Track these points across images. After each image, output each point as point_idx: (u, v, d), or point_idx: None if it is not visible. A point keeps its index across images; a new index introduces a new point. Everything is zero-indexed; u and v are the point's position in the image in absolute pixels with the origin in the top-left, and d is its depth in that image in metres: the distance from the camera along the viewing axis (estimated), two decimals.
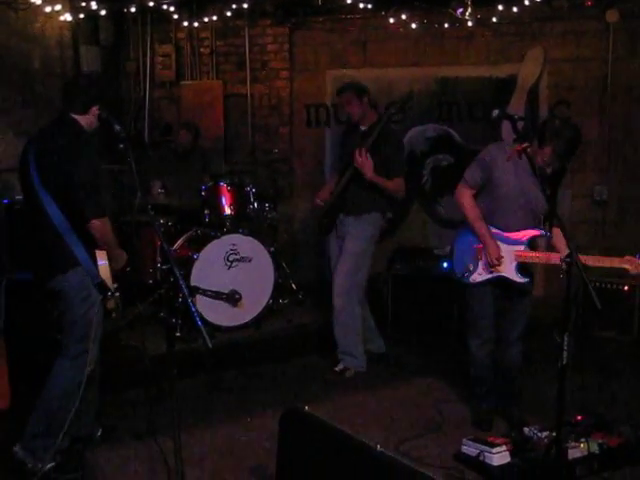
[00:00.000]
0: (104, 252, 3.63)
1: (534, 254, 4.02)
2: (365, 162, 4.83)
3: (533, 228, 4.05)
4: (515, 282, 4.07)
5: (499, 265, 4.05)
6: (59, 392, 3.59)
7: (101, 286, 3.58)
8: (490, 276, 4.12)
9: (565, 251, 3.72)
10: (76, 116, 3.64)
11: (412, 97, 5.06)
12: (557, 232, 3.92)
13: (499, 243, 4.06)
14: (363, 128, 5.09)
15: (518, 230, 4.05)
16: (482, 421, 4.25)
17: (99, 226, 3.53)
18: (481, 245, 4.11)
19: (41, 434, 3.59)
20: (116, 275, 3.77)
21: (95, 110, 3.68)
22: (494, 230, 4.09)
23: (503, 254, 4.04)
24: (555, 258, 3.83)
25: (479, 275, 4.15)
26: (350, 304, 5.09)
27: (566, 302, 3.28)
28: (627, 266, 3.72)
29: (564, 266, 3.31)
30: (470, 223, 4.14)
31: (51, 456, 3.58)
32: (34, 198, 3.55)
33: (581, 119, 6.31)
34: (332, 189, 5.26)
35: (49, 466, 3.57)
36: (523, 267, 4.06)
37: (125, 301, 5.53)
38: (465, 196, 4.16)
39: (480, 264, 4.14)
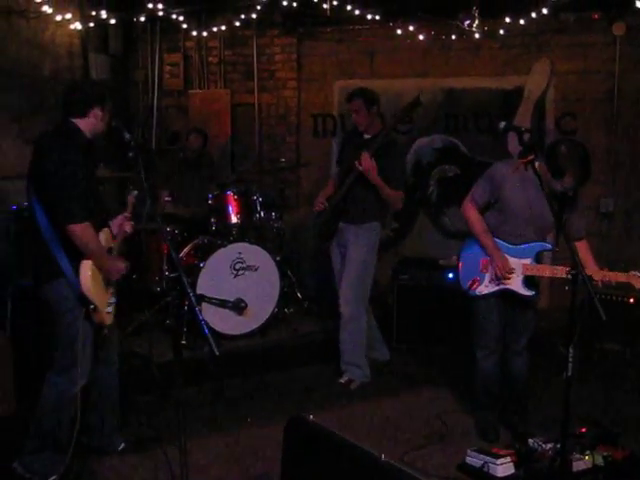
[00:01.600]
0: (89, 262, 3.46)
1: (542, 267, 4.03)
2: (371, 165, 4.81)
3: (540, 242, 4.07)
4: (522, 295, 4.09)
5: (508, 278, 4.06)
6: (50, 407, 3.53)
7: (81, 299, 3.43)
8: (497, 289, 4.13)
9: (592, 266, 3.78)
10: (76, 120, 3.55)
11: (419, 102, 5.01)
12: (583, 247, 3.96)
13: (506, 256, 4.07)
14: (367, 137, 5.09)
15: (525, 243, 4.07)
16: (488, 432, 4.25)
17: (78, 232, 3.37)
18: (488, 258, 4.13)
19: (37, 450, 3.56)
20: (117, 288, 3.66)
21: (97, 112, 3.57)
22: (501, 243, 4.11)
23: (512, 267, 4.05)
24: (562, 272, 3.84)
25: (485, 288, 4.16)
26: (358, 312, 5.09)
27: (571, 314, 3.29)
28: (632, 282, 3.74)
29: (569, 277, 3.33)
30: (477, 237, 4.16)
31: (50, 469, 3.54)
32: (29, 204, 3.50)
33: (588, 131, 6.37)
34: (330, 193, 5.25)
35: (52, 478, 3.53)
36: (530, 280, 4.07)
37: (132, 308, 5.62)
38: (471, 211, 4.19)
39: (487, 277, 4.15)
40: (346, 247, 5.12)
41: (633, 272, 3.76)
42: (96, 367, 3.68)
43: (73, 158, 3.42)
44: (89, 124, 3.57)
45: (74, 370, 3.47)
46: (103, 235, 3.61)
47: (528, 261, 4.05)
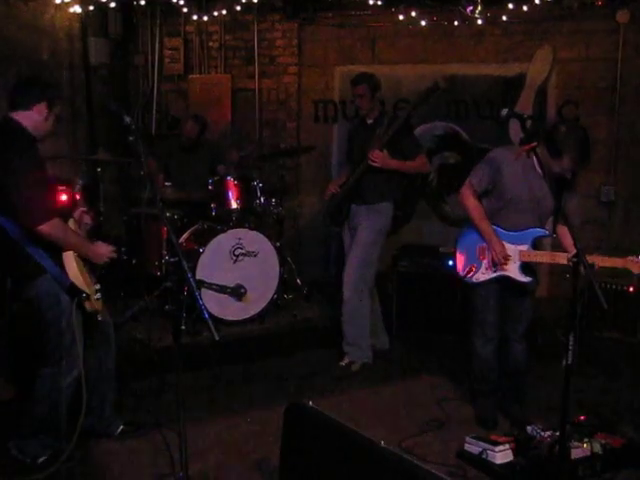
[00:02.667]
0: (71, 253, 3.44)
1: (539, 254, 4.02)
2: (384, 160, 4.90)
3: (538, 228, 4.06)
4: (519, 281, 4.08)
5: (505, 264, 4.05)
6: (44, 398, 3.55)
7: (72, 289, 3.41)
8: (494, 275, 4.12)
9: (572, 250, 3.73)
10: (17, 114, 3.42)
11: (438, 87, 5.01)
12: (564, 231, 3.91)
13: (504, 242, 4.07)
14: (369, 121, 5.14)
15: (522, 230, 4.06)
16: (487, 419, 4.25)
17: (48, 231, 3.31)
18: (485, 244, 4.12)
19: (31, 433, 3.59)
20: (98, 274, 3.65)
21: (42, 107, 3.44)
22: (498, 229, 4.10)
23: (509, 254, 4.05)
24: (560, 258, 3.84)
25: (482, 274, 4.15)
26: (359, 294, 5.10)
27: (572, 302, 3.28)
28: (630, 267, 3.73)
29: (571, 264, 3.32)
30: (475, 223, 4.15)
31: (42, 451, 3.58)
32: None
33: (589, 119, 6.34)
34: (342, 182, 5.28)
35: (42, 459, 3.57)
36: (527, 267, 4.07)
37: (130, 293, 5.61)
38: (469, 197, 4.17)
39: (484, 263, 4.14)
40: (356, 229, 5.14)
41: (630, 257, 3.75)
42: (94, 351, 3.70)
43: (25, 157, 3.33)
44: (31, 119, 3.44)
45: (65, 362, 3.49)
46: (71, 223, 3.60)
47: (525, 247, 4.04)
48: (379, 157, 4.91)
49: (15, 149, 3.34)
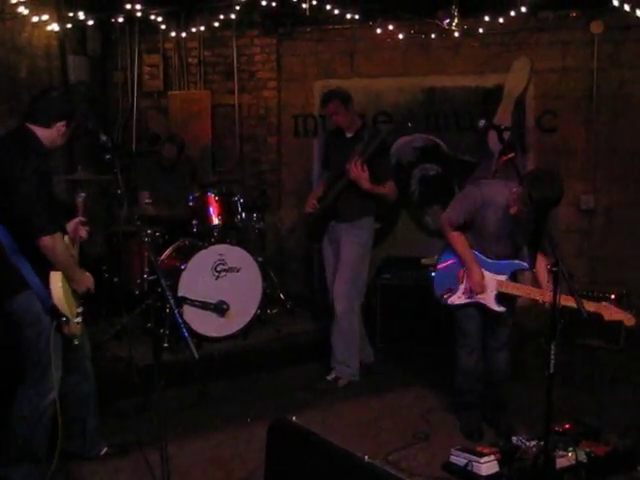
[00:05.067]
0: (59, 273, 3.36)
1: (516, 286, 4.07)
2: (361, 174, 4.86)
3: (517, 259, 4.11)
4: (493, 310, 4.14)
5: (481, 293, 4.09)
6: (22, 419, 3.45)
7: (53, 311, 3.33)
8: (469, 301, 4.19)
9: (545, 285, 3.80)
10: (36, 128, 3.41)
11: (412, 118, 5.06)
12: (541, 266, 3.95)
13: (484, 270, 4.10)
14: (349, 135, 5.12)
15: (502, 259, 4.10)
16: (472, 432, 4.25)
17: (50, 244, 3.27)
18: (463, 270, 4.16)
19: (15, 460, 3.48)
20: (81, 298, 3.56)
21: (61, 126, 3.44)
22: (480, 256, 4.14)
23: (486, 282, 4.08)
24: (536, 294, 3.92)
25: (458, 299, 4.22)
26: (351, 312, 5.09)
27: (553, 311, 3.29)
28: (602, 312, 3.78)
29: (551, 268, 3.34)
30: (457, 252, 4.20)
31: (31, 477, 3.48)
32: None
33: (568, 128, 6.40)
34: (319, 195, 5.28)
35: None
36: (503, 296, 4.11)
37: (112, 312, 5.57)
38: (449, 231, 4.22)
39: (461, 287, 4.20)
40: (339, 244, 5.13)
41: (605, 303, 3.83)
42: (69, 376, 3.60)
43: (37, 167, 3.29)
44: (50, 136, 3.45)
45: (44, 382, 3.41)
46: (67, 242, 3.52)
47: (504, 278, 4.08)
48: (356, 171, 4.84)
49: (29, 160, 3.29)
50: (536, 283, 4.11)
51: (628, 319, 3.77)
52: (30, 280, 3.32)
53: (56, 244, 3.30)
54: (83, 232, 3.68)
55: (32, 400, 3.44)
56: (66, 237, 3.52)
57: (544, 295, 3.83)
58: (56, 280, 3.35)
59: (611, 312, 3.78)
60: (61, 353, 3.47)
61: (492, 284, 4.09)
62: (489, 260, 4.12)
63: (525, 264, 4.09)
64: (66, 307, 3.38)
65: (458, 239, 4.19)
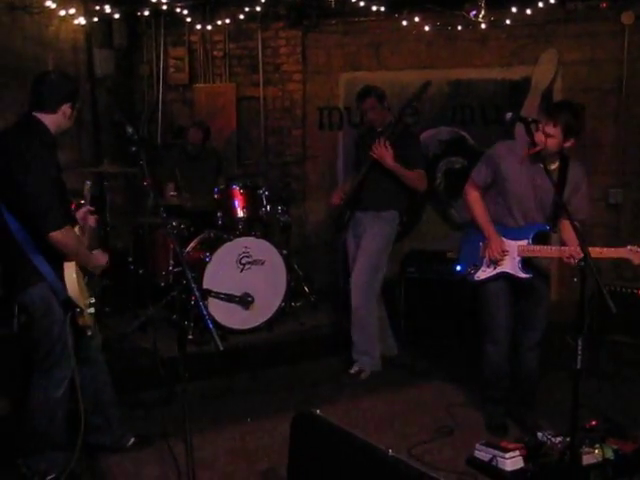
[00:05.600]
0: (73, 264, 3.34)
1: (537, 248, 3.95)
2: (385, 152, 4.87)
3: (540, 224, 4.01)
4: (518, 278, 4.02)
5: (501, 259, 4.01)
6: (38, 409, 3.47)
7: (67, 303, 3.33)
8: (494, 273, 4.08)
9: (574, 244, 3.69)
10: (42, 115, 3.36)
11: (429, 84, 5.04)
12: (566, 226, 3.87)
13: (503, 238, 4.04)
14: (379, 129, 5.12)
15: (525, 225, 4.03)
16: (498, 427, 4.21)
17: (60, 238, 3.24)
18: (485, 243, 4.10)
19: (38, 450, 3.51)
20: (99, 287, 3.58)
21: (67, 108, 3.39)
22: (499, 227, 4.07)
23: (507, 249, 4.01)
24: (558, 252, 3.81)
25: (483, 272, 4.12)
26: (368, 303, 5.09)
27: (580, 306, 3.25)
28: (630, 257, 3.68)
29: (578, 263, 3.29)
30: (475, 218, 4.14)
31: (51, 468, 3.49)
32: None
33: (596, 121, 6.31)
34: (347, 188, 5.27)
35: (51, 477, 3.47)
36: (528, 263, 4.02)
37: (137, 304, 5.61)
38: (470, 192, 4.18)
39: (485, 261, 4.11)
40: (361, 237, 5.11)
41: (630, 246, 3.70)
42: (84, 368, 3.60)
43: (46, 159, 3.27)
44: (56, 120, 3.40)
45: (57, 371, 3.44)
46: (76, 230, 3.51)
47: (524, 243, 3.99)
48: (379, 148, 4.87)
49: (38, 151, 3.26)
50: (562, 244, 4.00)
51: None
52: (44, 271, 3.31)
53: (66, 238, 3.28)
54: (92, 220, 3.68)
55: (45, 390, 3.46)
56: (76, 227, 3.52)
57: (565, 252, 3.74)
58: (70, 272, 3.35)
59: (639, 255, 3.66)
60: (73, 344, 3.44)
61: (513, 250, 3.99)
62: (509, 229, 4.04)
63: (546, 226, 3.99)
64: (80, 298, 3.38)
65: (477, 203, 4.13)
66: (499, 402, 4.30)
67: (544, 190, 3.92)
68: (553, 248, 3.90)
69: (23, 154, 3.24)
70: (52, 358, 3.42)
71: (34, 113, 3.38)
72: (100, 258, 3.57)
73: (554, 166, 3.93)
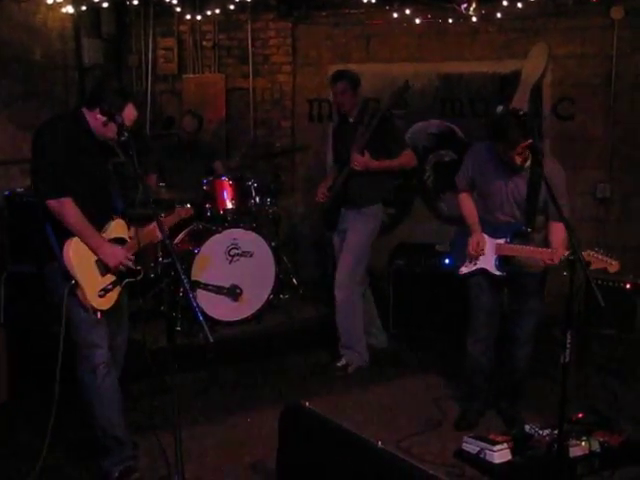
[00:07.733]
0: (76, 239, 3.36)
1: (514, 247, 3.99)
2: (365, 161, 4.88)
3: (517, 223, 4.04)
4: (493, 275, 4.08)
5: (480, 255, 4.07)
6: (86, 402, 3.50)
7: (64, 275, 3.35)
8: (474, 268, 4.14)
9: (557, 247, 3.72)
10: (85, 111, 3.46)
11: (408, 86, 5.02)
12: (555, 228, 3.90)
13: (484, 235, 4.09)
14: (351, 120, 5.11)
15: (503, 224, 4.06)
16: (461, 420, 4.24)
17: (56, 207, 3.31)
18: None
19: (101, 450, 3.56)
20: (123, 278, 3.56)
21: (97, 114, 3.42)
22: (483, 223, 4.13)
23: (487, 247, 4.06)
24: (535, 253, 3.85)
25: (465, 267, 4.19)
26: (352, 297, 5.09)
27: (569, 299, 3.26)
28: (590, 260, 3.52)
29: (569, 257, 3.32)
30: (462, 214, 4.23)
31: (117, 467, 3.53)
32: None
33: (585, 116, 6.33)
34: (330, 184, 5.26)
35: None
36: (506, 260, 4.05)
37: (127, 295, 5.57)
38: (461, 192, 4.28)
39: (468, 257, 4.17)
40: (345, 232, 5.11)
41: (589, 251, 3.53)
42: None
43: (60, 135, 3.36)
44: (93, 120, 3.46)
45: (84, 350, 3.44)
46: (114, 224, 3.54)
47: (502, 241, 4.03)
48: (360, 161, 4.89)
49: (58, 127, 3.41)
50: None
51: (612, 265, 3.62)
52: (53, 247, 3.37)
53: (63, 209, 3.32)
54: (155, 236, 3.71)
55: (84, 380, 3.46)
56: (120, 220, 3.60)
57: (544, 254, 3.76)
58: (69, 244, 3.35)
59: (597, 260, 3.59)
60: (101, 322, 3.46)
61: (491, 248, 4.05)
62: (490, 225, 4.09)
63: (522, 226, 4.01)
64: (79, 273, 3.35)
65: (465, 200, 4.24)
66: (475, 397, 4.31)
67: (519, 190, 3.97)
68: (531, 248, 3.93)
69: (42, 131, 3.42)
70: (75, 335, 3.43)
71: (81, 106, 3.53)
72: (112, 249, 3.48)
73: (527, 164, 3.94)
